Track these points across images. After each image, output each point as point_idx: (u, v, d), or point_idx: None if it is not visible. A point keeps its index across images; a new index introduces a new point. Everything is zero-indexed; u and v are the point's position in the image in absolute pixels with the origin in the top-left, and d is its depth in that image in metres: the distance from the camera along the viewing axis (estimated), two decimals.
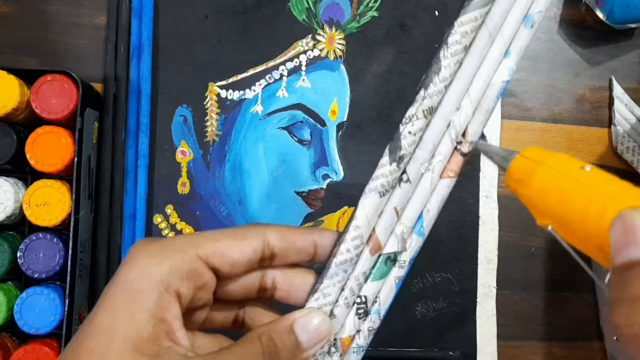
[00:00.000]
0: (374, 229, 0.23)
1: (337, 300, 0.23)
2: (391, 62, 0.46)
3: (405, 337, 0.45)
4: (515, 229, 0.47)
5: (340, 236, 0.23)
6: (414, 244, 0.23)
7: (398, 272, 0.23)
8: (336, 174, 0.45)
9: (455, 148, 0.23)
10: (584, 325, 0.48)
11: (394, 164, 0.22)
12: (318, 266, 0.24)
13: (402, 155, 0.22)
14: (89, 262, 0.42)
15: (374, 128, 0.46)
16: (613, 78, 0.49)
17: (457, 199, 0.46)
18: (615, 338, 0.47)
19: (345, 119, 0.45)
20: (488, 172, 0.47)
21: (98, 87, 0.44)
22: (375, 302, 0.23)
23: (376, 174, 0.22)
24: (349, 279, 0.23)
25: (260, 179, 0.45)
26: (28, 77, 0.39)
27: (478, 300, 0.46)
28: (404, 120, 0.22)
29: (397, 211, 0.22)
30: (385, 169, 0.22)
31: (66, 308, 0.38)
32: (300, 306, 0.23)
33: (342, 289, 0.23)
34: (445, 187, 0.23)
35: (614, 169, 0.49)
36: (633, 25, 0.48)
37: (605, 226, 0.18)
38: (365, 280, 0.23)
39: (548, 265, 0.48)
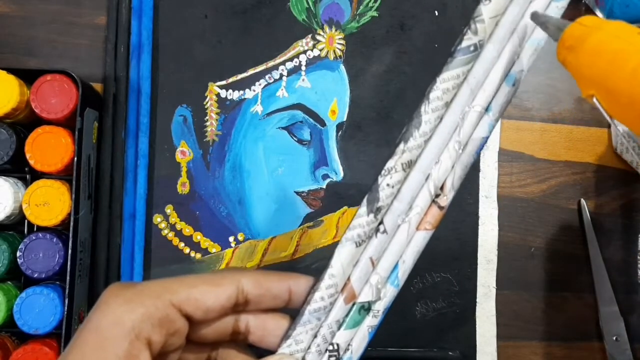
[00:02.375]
0: (349, 278, 0.23)
1: (309, 347, 0.23)
2: (391, 62, 0.46)
3: (405, 337, 0.45)
4: (514, 229, 0.47)
5: (315, 283, 0.23)
6: (389, 293, 0.24)
7: (372, 321, 0.23)
8: (336, 174, 0.45)
9: (433, 201, 0.23)
10: (584, 326, 0.48)
11: (371, 215, 0.22)
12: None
13: (380, 207, 0.22)
14: (88, 262, 0.42)
15: (373, 128, 0.46)
16: None
17: (457, 199, 0.46)
18: (614, 338, 0.47)
19: (345, 119, 0.45)
20: (488, 172, 0.47)
21: (98, 87, 0.44)
22: (348, 349, 0.23)
23: (353, 223, 0.23)
24: (322, 326, 0.23)
25: (260, 179, 0.45)
26: (28, 76, 0.39)
27: (478, 300, 0.46)
28: (382, 172, 0.22)
29: (372, 261, 0.23)
30: (362, 219, 0.22)
31: (66, 308, 0.38)
32: (273, 350, 0.23)
33: (315, 336, 0.23)
34: (421, 239, 0.23)
35: (613, 169, 0.49)
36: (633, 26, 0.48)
37: None
38: (339, 328, 0.23)
39: (547, 266, 0.48)
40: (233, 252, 0.44)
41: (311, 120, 0.45)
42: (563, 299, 0.48)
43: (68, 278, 0.38)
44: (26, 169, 0.41)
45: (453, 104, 0.23)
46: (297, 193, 0.45)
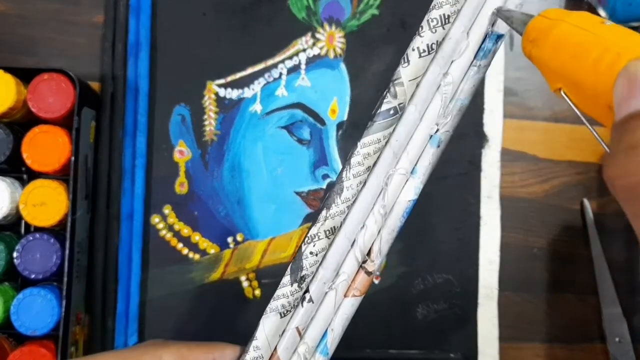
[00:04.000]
0: (275, 349, 0.22)
1: None
2: (392, 61, 0.46)
3: (406, 339, 0.44)
4: (517, 230, 0.47)
5: (241, 354, 0.23)
6: None
7: None
8: (336, 173, 0.45)
9: (360, 267, 0.23)
10: (586, 327, 0.47)
11: (295, 284, 0.22)
12: None
13: (304, 276, 0.22)
14: (86, 262, 0.41)
15: None
16: None
17: (459, 200, 0.45)
18: (617, 340, 0.46)
19: (345, 118, 0.45)
20: (490, 172, 0.46)
21: (95, 85, 0.44)
22: None
23: (277, 293, 0.22)
24: None
25: (259, 179, 0.44)
26: (25, 75, 0.39)
27: (479, 301, 0.45)
28: (305, 239, 0.22)
29: (299, 331, 0.22)
30: (286, 289, 0.22)
31: (63, 309, 0.37)
32: None
33: None
34: (349, 306, 0.23)
35: None
36: (635, 24, 0.47)
37: (615, 79, 0.17)
38: None
39: (550, 266, 0.47)
40: (232, 252, 0.44)
41: (311, 119, 0.45)
42: (565, 300, 0.47)
43: (65, 279, 0.37)
44: (23, 168, 0.40)
45: (376, 168, 0.22)
46: (296, 193, 0.45)
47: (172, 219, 0.44)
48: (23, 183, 0.40)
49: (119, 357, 0.22)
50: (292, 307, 0.22)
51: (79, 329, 0.40)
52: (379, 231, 0.22)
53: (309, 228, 0.22)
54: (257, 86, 0.45)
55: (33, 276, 0.38)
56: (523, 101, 0.48)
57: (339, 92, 0.45)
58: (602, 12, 0.47)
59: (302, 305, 0.22)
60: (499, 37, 0.23)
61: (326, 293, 0.23)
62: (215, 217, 0.44)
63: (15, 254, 0.38)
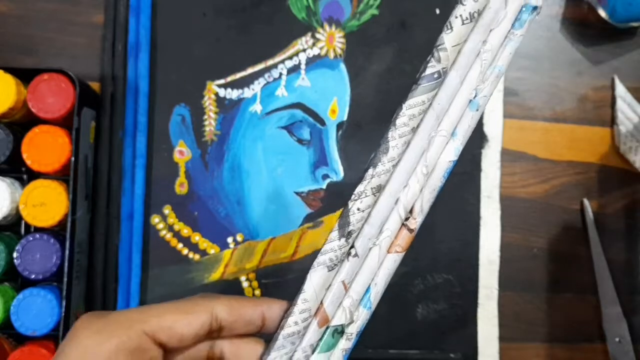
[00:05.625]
0: (321, 302, 0.23)
1: None
2: (392, 61, 0.46)
3: (406, 339, 0.44)
4: (517, 230, 0.47)
5: (288, 308, 0.24)
6: (361, 316, 0.24)
7: (345, 344, 0.24)
8: (336, 173, 0.45)
9: (403, 224, 0.24)
10: (586, 327, 0.47)
11: (343, 239, 0.23)
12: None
13: (351, 231, 0.23)
14: (86, 263, 0.41)
15: (374, 127, 0.45)
16: (616, 77, 0.48)
17: (459, 199, 0.45)
18: (617, 340, 0.46)
19: (345, 118, 0.45)
20: (490, 172, 0.46)
21: (95, 86, 0.44)
22: None
23: (325, 248, 0.23)
24: (296, 350, 0.23)
25: (259, 179, 0.44)
26: (24, 76, 0.39)
27: (479, 301, 0.45)
28: (352, 197, 0.23)
29: (345, 285, 0.23)
30: (334, 243, 0.23)
31: (63, 309, 0.37)
32: None
33: None
34: (392, 262, 0.24)
35: (616, 169, 0.48)
36: (636, 24, 0.47)
37: None
38: (313, 352, 0.24)
39: (550, 266, 0.47)
40: (232, 253, 0.44)
41: (311, 119, 0.45)
42: (566, 300, 0.47)
43: (65, 279, 0.37)
44: (23, 169, 0.40)
45: (419, 130, 0.23)
46: (296, 193, 0.45)
47: (172, 219, 0.44)
48: (23, 183, 0.40)
49: (172, 307, 0.22)
50: (339, 262, 0.23)
51: None
52: (421, 190, 0.24)
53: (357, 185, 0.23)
54: (257, 86, 0.45)
55: (33, 276, 0.38)
56: (523, 101, 0.48)
57: (338, 92, 0.45)
58: (602, 13, 0.47)
59: (348, 260, 0.23)
60: (534, 8, 0.24)
61: (370, 249, 0.24)
62: (215, 217, 0.44)
63: (15, 254, 0.38)
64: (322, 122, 0.45)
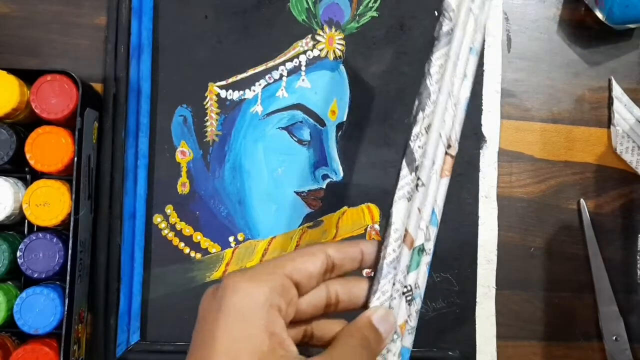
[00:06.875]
0: (406, 229, 0.28)
1: (391, 295, 0.27)
2: (391, 63, 0.46)
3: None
4: (514, 229, 0.47)
5: (382, 241, 0.28)
6: (433, 233, 0.29)
7: (427, 259, 0.28)
8: (336, 174, 0.45)
9: (446, 152, 0.29)
10: (583, 325, 0.48)
11: (413, 174, 0.28)
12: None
13: (417, 166, 0.28)
14: (88, 262, 0.42)
15: (373, 128, 0.46)
16: (612, 78, 0.49)
17: (457, 199, 0.46)
18: (614, 338, 0.47)
19: (345, 119, 0.45)
20: (487, 172, 0.47)
21: (98, 87, 0.44)
22: (417, 287, 0.28)
23: (401, 184, 0.28)
24: (397, 274, 0.27)
25: (260, 179, 0.45)
26: (28, 77, 0.39)
27: (477, 300, 0.46)
28: (412, 137, 0.28)
29: (419, 210, 0.28)
30: (407, 178, 0.28)
31: (66, 308, 0.38)
32: (361, 311, 0.27)
33: (393, 284, 0.27)
34: (444, 184, 0.29)
35: (613, 169, 0.49)
36: (632, 26, 0.48)
37: None
38: (408, 272, 0.28)
39: (547, 266, 0.48)
40: (233, 252, 0.44)
41: (311, 120, 0.45)
42: (563, 299, 0.48)
43: (68, 278, 0.38)
44: (26, 169, 0.41)
45: (445, 74, 0.29)
46: (297, 193, 0.45)
47: (174, 218, 0.44)
48: (26, 183, 0.41)
49: (297, 254, 0.26)
50: (412, 192, 0.28)
51: (81, 327, 0.40)
52: (453, 123, 0.29)
53: (412, 126, 0.28)
54: (257, 87, 0.45)
55: (36, 275, 0.39)
56: (520, 102, 0.48)
57: (338, 94, 0.46)
58: (599, 14, 0.47)
59: (417, 190, 0.28)
60: None
61: (430, 177, 0.28)
62: (216, 216, 0.44)
63: (18, 254, 0.39)
64: (322, 123, 0.45)
